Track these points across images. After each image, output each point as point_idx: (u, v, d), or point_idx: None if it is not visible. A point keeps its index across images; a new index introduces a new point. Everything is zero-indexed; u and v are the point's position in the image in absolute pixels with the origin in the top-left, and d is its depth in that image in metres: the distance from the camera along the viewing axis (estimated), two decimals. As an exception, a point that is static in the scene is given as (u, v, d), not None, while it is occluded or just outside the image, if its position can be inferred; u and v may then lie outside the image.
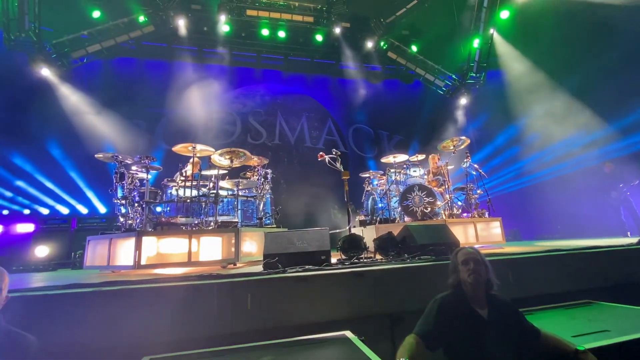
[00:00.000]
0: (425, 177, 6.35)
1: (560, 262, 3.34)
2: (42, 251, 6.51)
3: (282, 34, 10.32)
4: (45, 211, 8.31)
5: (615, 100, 8.29)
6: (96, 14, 9.01)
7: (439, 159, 6.58)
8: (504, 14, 9.67)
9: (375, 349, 1.92)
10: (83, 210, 8.64)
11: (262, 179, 5.92)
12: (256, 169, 6.08)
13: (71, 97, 8.69)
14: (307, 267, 3.05)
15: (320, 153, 5.13)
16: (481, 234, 5.27)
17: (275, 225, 5.96)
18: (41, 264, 6.31)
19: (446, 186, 5.92)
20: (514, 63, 10.11)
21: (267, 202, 6.24)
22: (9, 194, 7.97)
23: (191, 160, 5.27)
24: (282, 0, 9.74)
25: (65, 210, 8.51)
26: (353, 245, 3.77)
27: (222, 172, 5.43)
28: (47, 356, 1.74)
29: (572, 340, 1.93)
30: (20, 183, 8.09)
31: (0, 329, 1.64)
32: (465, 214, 5.84)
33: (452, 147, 6.07)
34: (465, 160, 5.99)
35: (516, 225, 8.47)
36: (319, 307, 2.61)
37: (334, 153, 5.07)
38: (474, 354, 1.82)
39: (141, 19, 8.99)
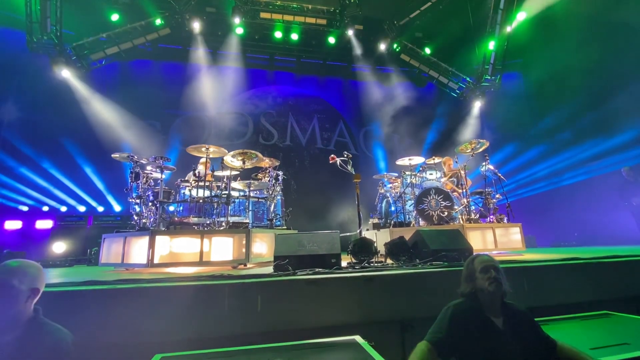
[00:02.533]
0: (442, 180, 6.24)
1: (578, 271, 3.24)
2: (59, 247, 6.71)
3: (294, 36, 10.37)
4: (63, 208, 8.55)
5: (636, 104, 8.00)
6: (115, 17, 9.24)
7: (456, 161, 6.45)
8: (521, 16, 9.49)
9: (385, 355, 1.90)
10: (99, 208, 8.86)
11: (273, 181, 5.95)
12: (267, 171, 6.11)
13: (89, 98, 8.93)
14: (317, 269, 3.05)
15: (332, 156, 5.12)
16: (500, 240, 5.13)
17: (285, 227, 5.98)
18: (58, 259, 6.49)
19: (463, 190, 5.80)
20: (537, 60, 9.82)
21: (278, 203, 6.27)
22: (29, 191, 8.23)
23: (202, 160, 5.35)
24: (295, 2, 9.79)
25: (82, 208, 8.74)
26: (364, 249, 3.75)
27: (234, 173, 5.49)
28: (80, 351, 1.77)
29: (590, 353, 1.86)
30: (39, 180, 8.35)
31: (38, 322, 1.68)
32: (482, 220, 5.70)
33: (469, 150, 5.96)
34: (484, 163, 5.87)
35: (531, 232, 8.27)
36: (328, 311, 2.60)
37: (345, 156, 5.05)
38: (488, 364, 1.78)
39: (158, 21, 9.19)
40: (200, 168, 5.46)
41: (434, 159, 6.50)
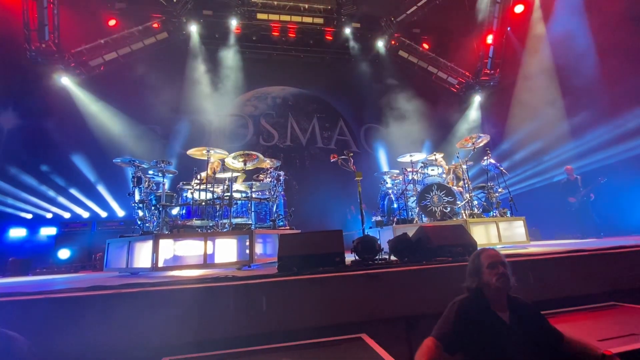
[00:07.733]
0: (444, 175, 6.22)
1: (584, 263, 3.22)
2: (64, 254, 6.72)
3: (292, 36, 10.38)
4: (66, 215, 8.58)
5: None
6: (112, 22, 9.27)
7: (457, 156, 6.39)
8: (518, 9, 9.46)
9: (391, 352, 1.90)
10: (102, 213, 8.88)
11: (275, 181, 5.95)
12: (269, 171, 6.11)
13: (89, 104, 8.96)
14: (321, 269, 3.04)
15: (333, 154, 5.11)
16: (504, 234, 5.08)
17: (288, 227, 5.98)
18: (63, 266, 6.51)
19: (465, 184, 5.77)
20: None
21: (280, 203, 6.26)
22: (32, 198, 8.26)
23: (211, 163, 5.36)
24: (292, 2, 9.79)
25: (85, 214, 8.77)
26: (367, 246, 3.73)
27: (235, 174, 5.49)
28: (39, 358, 1.73)
29: (598, 345, 1.85)
30: (42, 188, 8.37)
31: None
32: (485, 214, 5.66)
33: (470, 145, 5.93)
34: (485, 157, 5.85)
35: (535, 225, 8.22)
36: (334, 310, 2.60)
37: (345, 154, 5.04)
38: (495, 358, 1.77)
39: (155, 26, 9.20)
40: (204, 172, 5.47)
41: (434, 155, 6.48)
